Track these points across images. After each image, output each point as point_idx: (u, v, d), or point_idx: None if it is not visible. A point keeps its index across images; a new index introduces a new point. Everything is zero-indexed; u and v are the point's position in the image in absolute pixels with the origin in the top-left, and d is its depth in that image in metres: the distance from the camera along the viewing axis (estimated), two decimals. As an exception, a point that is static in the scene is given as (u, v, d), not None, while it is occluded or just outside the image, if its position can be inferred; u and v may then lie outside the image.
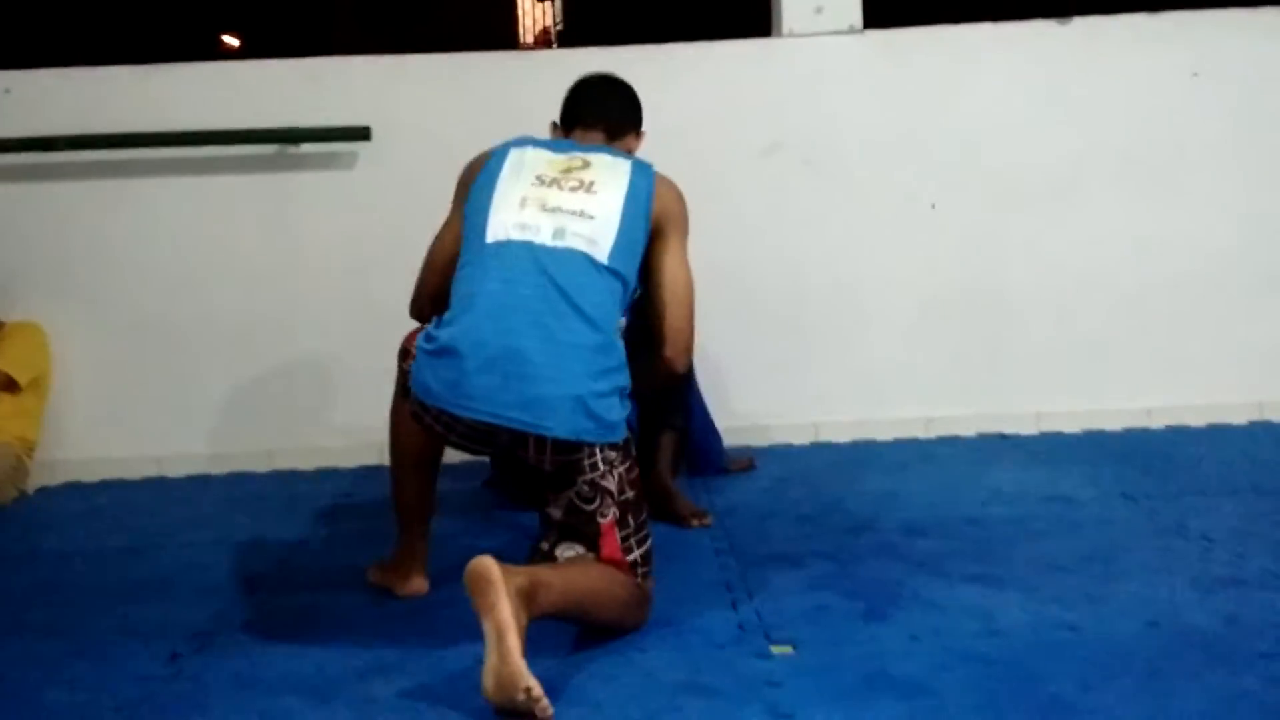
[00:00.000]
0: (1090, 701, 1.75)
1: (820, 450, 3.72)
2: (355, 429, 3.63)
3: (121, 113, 3.61)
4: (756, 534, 2.76)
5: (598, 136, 2.42)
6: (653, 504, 2.87)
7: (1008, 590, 2.26)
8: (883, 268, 3.81)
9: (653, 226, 2.24)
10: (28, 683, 2.01)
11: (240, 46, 16.38)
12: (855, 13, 3.76)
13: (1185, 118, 3.80)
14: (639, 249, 2.21)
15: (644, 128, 2.56)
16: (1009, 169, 3.78)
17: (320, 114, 3.67)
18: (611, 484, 2.07)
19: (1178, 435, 3.70)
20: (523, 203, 2.16)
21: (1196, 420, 3.80)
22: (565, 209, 2.15)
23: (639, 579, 2.12)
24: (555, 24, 17.67)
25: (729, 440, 3.48)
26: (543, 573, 1.91)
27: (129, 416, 3.72)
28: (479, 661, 1.75)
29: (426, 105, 3.71)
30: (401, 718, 1.80)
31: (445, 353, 2.03)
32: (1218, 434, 3.69)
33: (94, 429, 3.71)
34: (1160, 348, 3.82)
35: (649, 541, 2.15)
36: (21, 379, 3.51)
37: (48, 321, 3.65)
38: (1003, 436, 3.76)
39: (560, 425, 2.00)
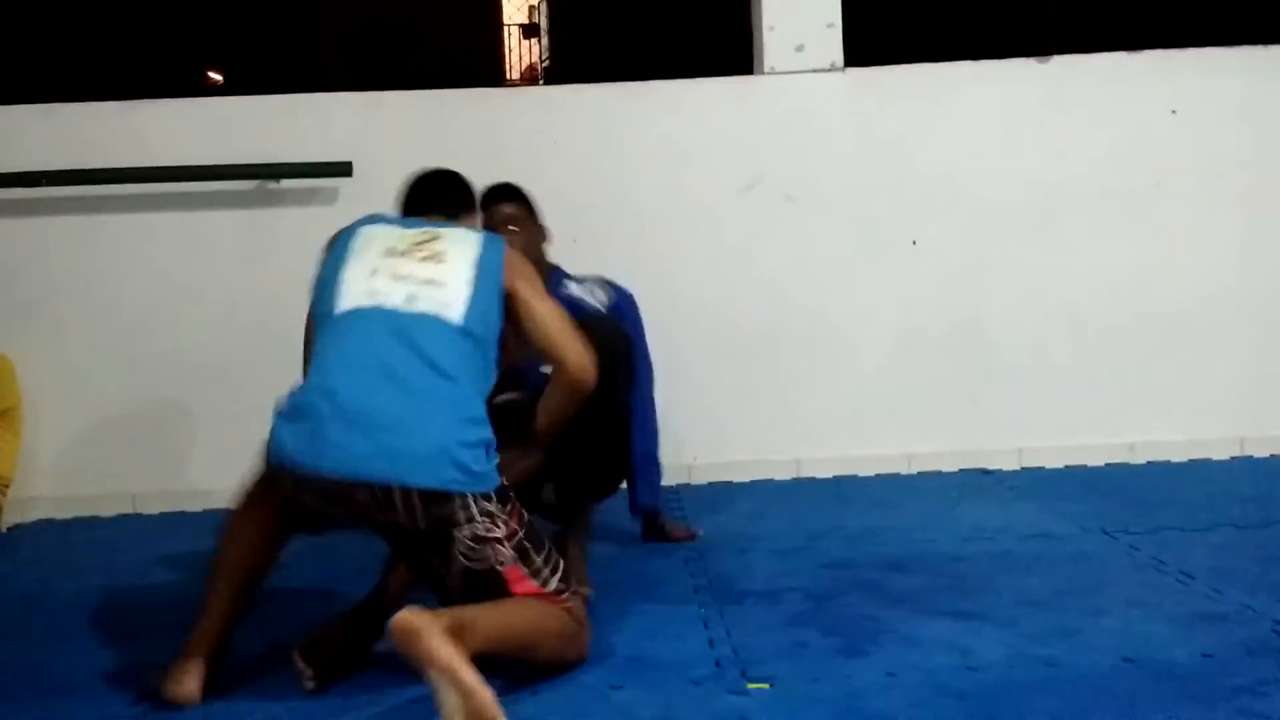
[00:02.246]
0: (1066, 738, 1.74)
1: (802, 485, 3.72)
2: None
3: (101, 148, 3.62)
4: (736, 569, 2.75)
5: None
6: None
7: (985, 626, 2.25)
8: (864, 303, 3.82)
9: (507, 291, 2.21)
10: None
11: (224, 81, 16.43)
12: (836, 51, 3.79)
13: (1164, 154, 3.83)
14: (494, 318, 2.18)
15: (477, 211, 2.58)
16: (989, 205, 3.81)
17: (302, 150, 3.67)
18: (499, 531, 2.01)
19: (1159, 470, 3.70)
20: (373, 273, 2.16)
21: (1178, 455, 3.81)
22: (416, 277, 2.15)
23: (564, 603, 2.09)
24: (542, 60, 17.78)
25: (713, 476, 3.48)
26: (466, 612, 1.89)
27: (103, 453, 3.70)
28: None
29: (409, 141, 3.71)
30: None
31: (299, 413, 2.03)
32: (1199, 469, 3.70)
33: (68, 466, 3.69)
34: (1141, 382, 3.83)
35: (561, 565, 2.12)
36: None
37: (22, 356, 3.62)
38: (984, 471, 3.76)
39: (428, 475, 1.95)
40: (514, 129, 3.76)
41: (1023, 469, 3.77)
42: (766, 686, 1.99)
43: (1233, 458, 3.80)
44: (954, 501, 3.39)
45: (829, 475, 3.78)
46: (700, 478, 3.76)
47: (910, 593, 2.50)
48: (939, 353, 3.81)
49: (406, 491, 1.95)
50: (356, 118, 3.75)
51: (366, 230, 2.27)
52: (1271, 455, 3.80)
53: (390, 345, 2.06)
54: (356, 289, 2.15)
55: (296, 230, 3.71)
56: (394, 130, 3.73)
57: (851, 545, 2.93)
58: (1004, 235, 3.80)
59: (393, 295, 2.12)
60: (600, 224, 3.73)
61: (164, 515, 3.62)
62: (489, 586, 2.01)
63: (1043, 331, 3.82)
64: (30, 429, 3.64)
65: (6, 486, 3.53)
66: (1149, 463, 3.78)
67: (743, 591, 2.56)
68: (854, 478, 3.76)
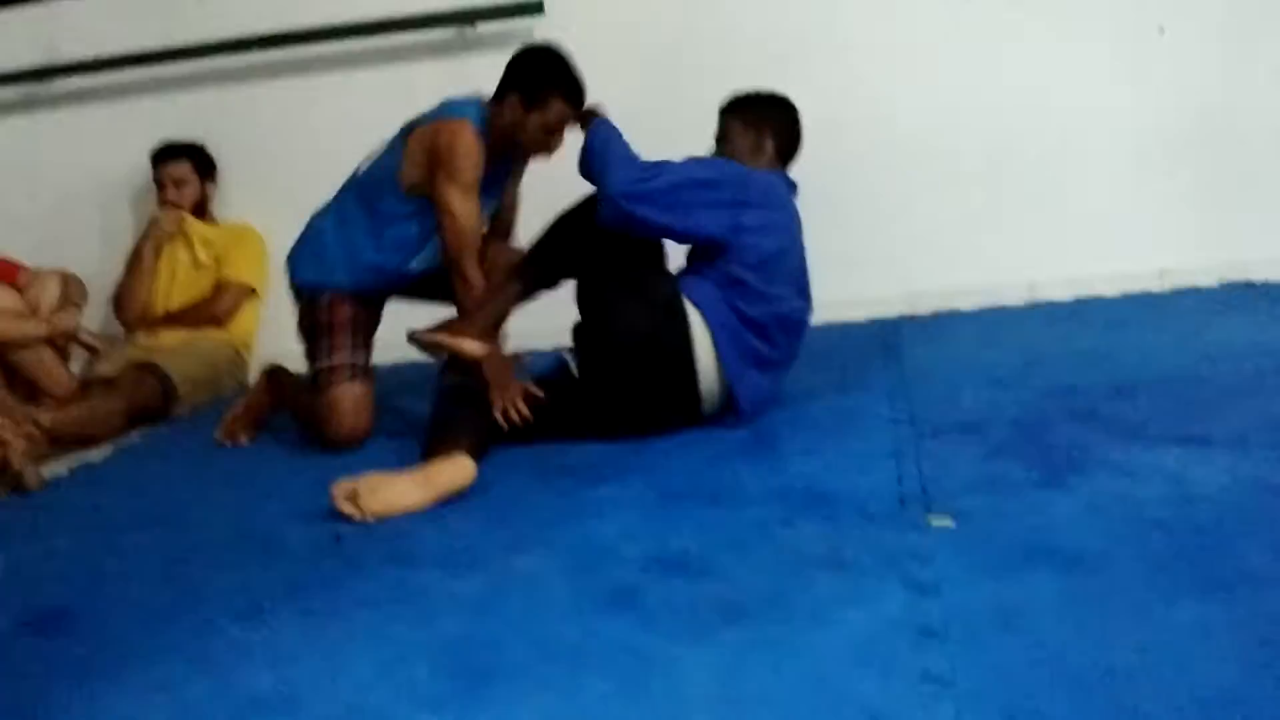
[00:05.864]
0: (1282, 573, 1.52)
1: (1035, 310, 3.45)
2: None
3: (301, 8, 3.67)
4: (943, 400, 2.56)
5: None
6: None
7: (1210, 452, 2.00)
8: (1103, 104, 3.45)
9: (421, 164, 2.71)
10: (194, 569, 2.05)
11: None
12: None
13: None
14: (387, 175, 2.77)
15: (513, 95, 2.81)
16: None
17: (494, -8, 3.61)
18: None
19: None
20: None
21: None
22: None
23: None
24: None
25: (939, 305, 3.33)
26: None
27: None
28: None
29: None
30: (533, 587, 1.77)
31: None
32: None
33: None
34: None
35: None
36: (260, 288, 3.70)
37: (266, 228, 3.73)
38: (1249, 284, 3.37)
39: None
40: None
41: (1296, 278, 3.35)
42: (949, 523, 1.85)
43: None
44: (1206, 319, 3.05)
45: (1067, 297, 3.48)
46: (925, 307, 3.55)
47: (1132, 419, 2.25)
48: (1191, 155, 3.41)
49: None
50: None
51: None
52: None
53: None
54: None
55: (495, 75, 3.67)
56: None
57: (1077, 370, 2.67)
58: (1264, 14, 3.31)
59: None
60: (810, 46, 3.51)
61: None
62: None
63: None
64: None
65: (249, 344, 3.72)
66: None
67: (945, 423, 2.38)
68: (1096, 298, 3.45)
